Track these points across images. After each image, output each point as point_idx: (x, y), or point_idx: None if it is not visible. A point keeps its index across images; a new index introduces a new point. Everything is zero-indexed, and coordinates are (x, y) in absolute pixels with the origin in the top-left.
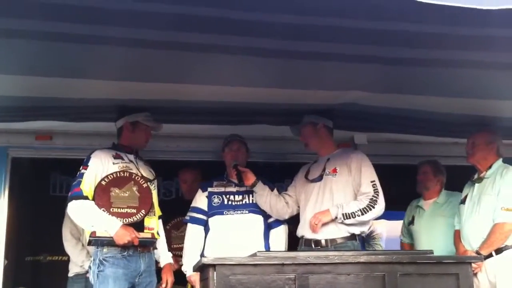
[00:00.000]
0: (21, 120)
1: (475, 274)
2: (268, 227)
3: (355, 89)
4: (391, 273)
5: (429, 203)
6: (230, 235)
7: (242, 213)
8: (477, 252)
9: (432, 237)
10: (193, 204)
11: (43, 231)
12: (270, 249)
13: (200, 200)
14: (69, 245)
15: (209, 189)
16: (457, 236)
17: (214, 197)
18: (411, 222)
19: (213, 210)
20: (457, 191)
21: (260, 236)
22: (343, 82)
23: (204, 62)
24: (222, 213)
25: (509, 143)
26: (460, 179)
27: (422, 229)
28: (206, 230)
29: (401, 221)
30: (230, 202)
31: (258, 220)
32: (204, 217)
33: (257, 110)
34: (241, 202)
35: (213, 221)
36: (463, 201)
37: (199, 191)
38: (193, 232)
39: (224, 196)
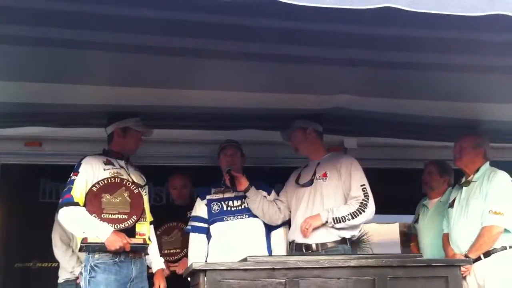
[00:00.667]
0: (11, 126)
1: (464, 278)
2: (269, 230)
3: (344, 93)
4: (381, 276)
5: (433, 203)
6: (232, 240)
7: (242, 217)
8: (466, 256)
9: (432, 236)
10: (193, 213)
11: (32, 238)
12: (272, 252)
13: (200, 209)
14: (59, 251)
15: (208, 197)
16: (445, 239)
17: (213, 204)
18: (417, 220)
19: (214, 217)
20: None
21: (262, 239)
22: (332, 86)
23: (193, 67)
24: (222, 220)
25: (497, 146)
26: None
27: (424, 228)
28: (208, 237)
29: (391, 224)
30: (229, 208)
31: (258, 224)
32: (205, 225)
33: (246, 115)
34: (240, 207)
35: (214, 228)
36: (451, 205)
37: (198, 199)
38: (196, 241)
39: (223, 202)
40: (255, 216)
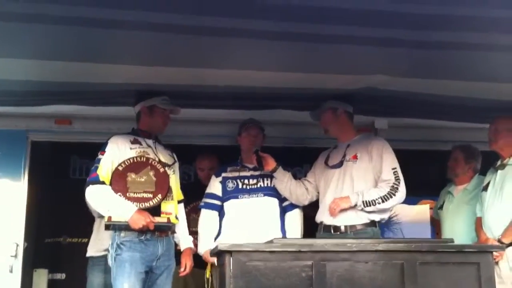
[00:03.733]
0: (41, 104)
1: (496, 263)
2: (283, 211)
3: (377, 73)
4: (410, 261)
5: (459, 190)
6: (246, 218)
7: (257, 196)
8: (499, 240)
9: (455, 224)
10: (208, 190)
11: (63, 214)
12: (286, 233)
13: (214, 186)
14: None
15: (223, 174)
16: (478, 223)
17: (229, 181)
18: (441, 206)
19: (228, 195)
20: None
21: (276, 219)
22: (364, 66)
23: (223, 46)
24: (236, 197)
25: None
26: (483, 164)
27: (447, 215)
28: (221, 215)
29: (422, 206)
30: (244, 186)
31: (273, 203)
32: (219, 202)
33: (276, 95)
34: (255, 186)
35: (228, 205)
36: (485, 188)
37: (213, 177)
38: (206, 217)
39: (238, 180)
40: (270, 196)
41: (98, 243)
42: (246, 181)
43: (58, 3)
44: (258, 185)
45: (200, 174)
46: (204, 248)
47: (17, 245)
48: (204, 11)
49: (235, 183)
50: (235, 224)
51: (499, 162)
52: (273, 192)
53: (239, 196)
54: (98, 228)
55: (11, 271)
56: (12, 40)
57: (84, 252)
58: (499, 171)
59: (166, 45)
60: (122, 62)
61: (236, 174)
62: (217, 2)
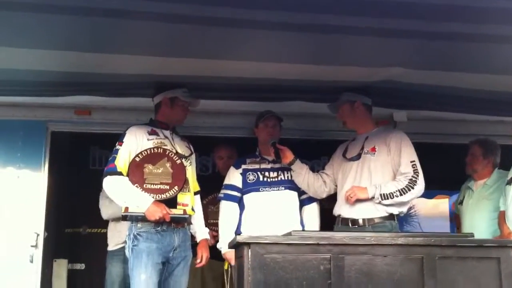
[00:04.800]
0: (61, 95)
1: None
2: (301, 204)
3: (395, 65)
4: (430, 256)
5: (479, 184)
6: (268, 211)
7: (278, 189)
8: None
9: (475, 220)
10: (227, 182)
11: (82, 204)
12: (305, 226)
13: (234, 177)
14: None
15: (243, 166)
16: (501, 217)
17: (249, 174)
18: (461, 202)
19: (249, 187)
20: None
21: (296, 212)
22: (383, 58)
23: (240, 38)
24: (258, 190)
25: None
26: (505, 158)
27: (467, 210)
28: (241, 207)
29: (440, 200)
30: (265, 179)
31: (293, 197)
32: (239, 194)
33: (294, 86)
34: (276, 179)
35: (248, 198)
36: (509, 182)
37: (232, 168)
38: (227, 209)
39: (259, 172)
40: (291, 189)
41: (116, 235)
42: (266, 173)
43: None
44: (279, 178)
45: (219, 162)
46: (225, 247)
47: (38, 235)
48: (223, 2)
49: (256, 175)
50: (256, 217)
51: None
52: (293, 185)
53: (260, 189)
54: (115, 224)
55: (31, 261)
56: (30, 31)
57: (103, 242)
58: None
59: (184, 36)
60: (139, 53)
61: (256, 166)
62: None
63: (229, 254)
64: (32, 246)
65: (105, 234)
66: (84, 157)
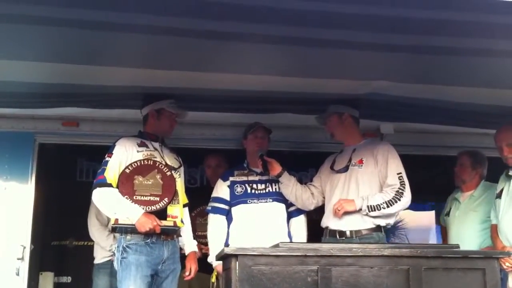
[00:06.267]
0: (48, 106)
1: None
2: (289, 216)
3: (382, 78)
4: (416, 267)
5: (465, 196)
6: (255, 223)
7: (266, 201)
8: None
9: (461, 231)
10: (214, 194)
11: (69, 216)
12: (292, 238)
13: (222, 190)
14: (96, 230)
15: (231, 178)
16: (494, 230)
17: (237, 186)
18: (448, 213)
19: (237, 199)
20: (495, 183)
21: (284, 225)
22: (370, 71)
23: (228, 50)
24: (246, 202)
25: None
26: (490, 170)
27: (454, 222)
28: (229, 219)
29: (427, 212)
30: (253, 191)
31: (281, 209)
32: (226, 207)
33: (282, 98)
34: (264, 191)
35: (236, 210)
36: (499, 195)
37: (220, 180)
38: (216, 222)
39: (247, 185)
40: (278, 201)
41: (102, 250)
42: (254, 185)
43: (63, 6)
44: (267, 190)
45: (207, 171)
46: (215, 257)
47: (24, 248)
48: (209, 15)
49: (244, 187)
50: (244, 229)
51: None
52: (281, 197)
53: (248, 201)
54: (100, 237)
55: (17, 274)
56: (18, 42)
57: (89, 255)
58: None
59: (171, 49)
60: (127, 65)
61: (244, 178)
62: (222, 6)
63: (220, 267)
64: (18, 259)
65: (92, 247)
66: (72, 169)
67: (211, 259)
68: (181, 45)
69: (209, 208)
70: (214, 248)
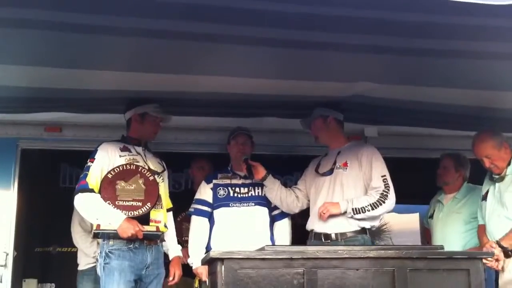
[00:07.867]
0: (31, 111)
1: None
2: (272, 220)
3: (365, 80)
4: (401, 268)
5: (448, 198)
6: (237, 227)
7: (248, 205)
8: (498, 242)
9: (446, 233)
10: (197, 196)
11: (52, 223)
12: (275, 242)
13: (205, 192)
14: (80, 237)
15: (214, 181)
16: (481, 230)
17: (220, 189)
18: (431, 215)
19: (219, 202)
20: (478, 185)
21: (266, 229)
22: (353, 73)
23: (212, 52)
24: (228, 205)
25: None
26: (472, 172)
27: (438, 224)
28: (211, 222)
29: (412, 214)
30: (236, 194)
31: (264, 213)
32: (209, 209)
33: (266, 102)
34: (247, 195)
35: (218, 213)
36: (484, 198)
37: (203, 183)
38: (198, 224)
39: (230, 188)
40: (261, 205)
41: (86, 256)
42: (237, 189)
43: (45, 8)
44: (249, 194)
45: (200, 173)
46: (196, 262)
47: (7, 254)
48: (192, 17)
49: (227, 190)
50: (225, 233)
51: (497, 176)
52: (264, 201)
53: (230, 204)
54: (83, 244)
55: (0, 281)
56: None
57: (73, 261)
58: (497, 183)
59: (155, 52)
60: (110, 69)
61: (227, 181)
62: (206, 8)
63: (200, 269)
64: (1, 265)
65: (76, 253)
66: (55, 174)
67: (191, 260)
68: (165, 48)
69: (191, 210)
70: (195, 250)
